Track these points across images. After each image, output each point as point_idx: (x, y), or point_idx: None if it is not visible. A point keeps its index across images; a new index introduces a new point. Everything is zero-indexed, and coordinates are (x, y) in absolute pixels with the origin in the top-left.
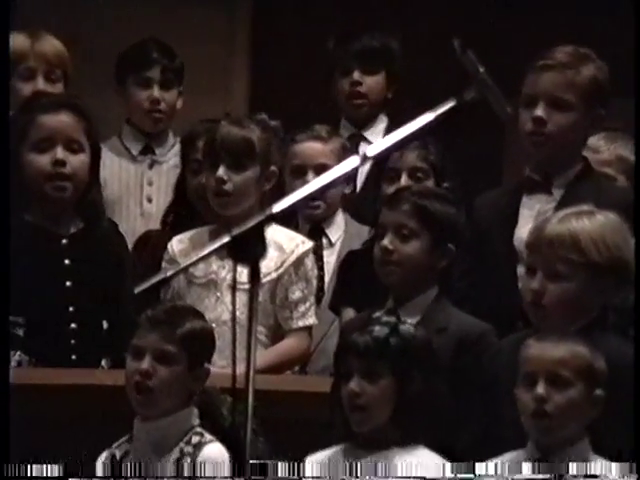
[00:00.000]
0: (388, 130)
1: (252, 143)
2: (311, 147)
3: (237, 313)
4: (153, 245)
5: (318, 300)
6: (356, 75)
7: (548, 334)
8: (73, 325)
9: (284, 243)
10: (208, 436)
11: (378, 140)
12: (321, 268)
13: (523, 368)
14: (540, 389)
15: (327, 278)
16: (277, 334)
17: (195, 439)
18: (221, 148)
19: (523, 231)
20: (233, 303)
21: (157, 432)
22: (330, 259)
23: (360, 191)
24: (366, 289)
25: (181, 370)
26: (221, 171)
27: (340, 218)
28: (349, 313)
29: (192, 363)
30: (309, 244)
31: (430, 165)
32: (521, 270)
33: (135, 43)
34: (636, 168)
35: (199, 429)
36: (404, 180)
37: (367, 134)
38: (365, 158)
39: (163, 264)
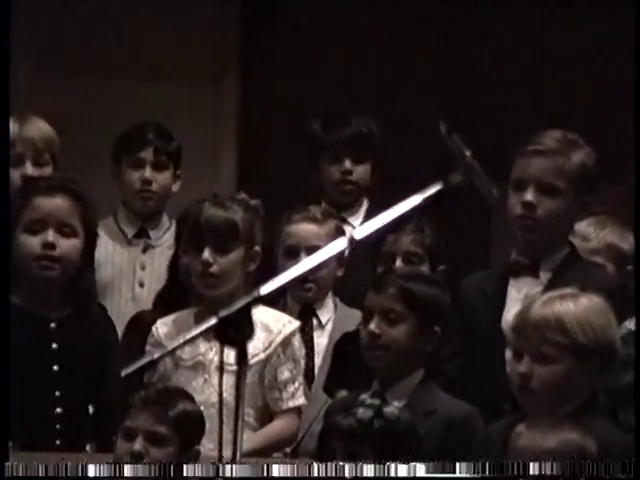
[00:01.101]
0: (368, 213)
1: (236, 224)
2: (305, 229)
3: (225, 395)
4: (145, 326)
5: (309, 381)
6: (347, 164)
7: (538, 421)
8: (59, 410)
9: (271, 323)
10: None
11: (362, 223)
12: (311, 349)
13: (513, 457)
14: None
15: (317, 359)
16: (265, 415)
17: None
18: (206, 230)
19: (511, 314)
20: (220, 385)
21: None
22: (320, 340)
23: (352, 274)
24: (360, 371)
25: (173, 452)
26: (206, 254)
27: (330, 300)
28: (342, 395)
29: (183, 445)
30: (296, 324)
31: (425, 249)
32: (509, 354)
33: (132, 125)
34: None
35: None
36: (399, 264)
37: (350, 218)
38: (352, 241)
39: (147, 347)
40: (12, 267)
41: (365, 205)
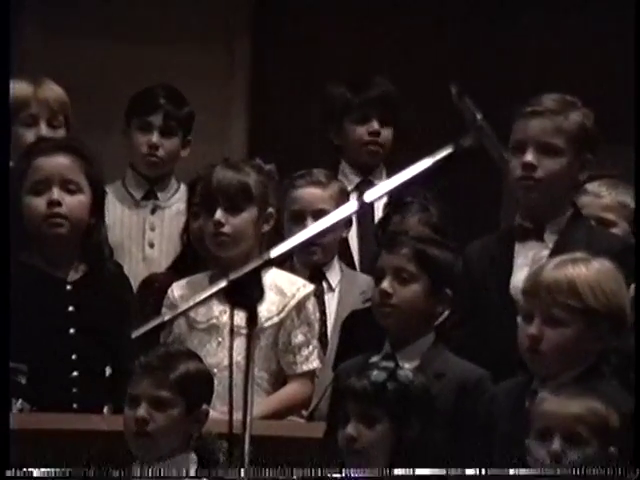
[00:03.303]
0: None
1: (248, 186)
2: (310, 192)
3: (238, 358)
4: (159, 288)
5: (323, 345)
6: (375, 125)
7: (562, 387)
8: (75, 373)
9: (285, 287)
10: None
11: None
12: (323, 312)
13: (538, 422)
14: (556, 445)
15: (329, 322)
16: (279, 379)
17: None
18: (217, 192)
19: (519, 279)
20: (230, 348)
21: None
22: (331, 303)
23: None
24: (369, 348)
25: (178, 414)
26: (218, 214)
27: (337, 263)
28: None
29: (190, 406)
30: (310, 287)
31: (432, 228)
32: (519, 317)
33: (146, 88)
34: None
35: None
36: None
37: (375, 180)
38: (363, 203)
39: (163, 309)
40: (22, 230)
41: (385, 170)
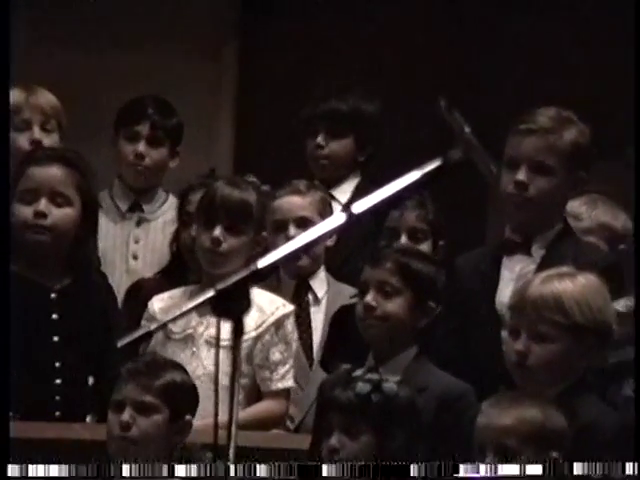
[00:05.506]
0: (357, 190)
1: (250, 206)
2: (290, 201)
3: (212, 368)
4: (143, 295)
5: (308, 359)
6: (319, 139)
7: (500, 399)
8: (58, 381)
9: (265, 305)
10: None
11: (350, 198)
12: (309, 325)
13: (476, 436)
14: (488, 459)
15: (315, 336)
16: (252, 394)
17: None
18: (220, 208)
19: (504, 293)
20: (216, 358)
21: None
22: (317, 317)
23: (343, 248)
24: (356, 344)
25: (161, 421)
26: (217, 231)
27: (323, 274)
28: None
29: (173, 414)
30: (290, 307)
31: (429, 225)
32: (505, 332)
33: (134, 98)
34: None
35: None
36: (404, 240)
37: (336, 193)
38: (351, 215)
39: (142, 322)
40: (8, 236)
41: (354, 182)
